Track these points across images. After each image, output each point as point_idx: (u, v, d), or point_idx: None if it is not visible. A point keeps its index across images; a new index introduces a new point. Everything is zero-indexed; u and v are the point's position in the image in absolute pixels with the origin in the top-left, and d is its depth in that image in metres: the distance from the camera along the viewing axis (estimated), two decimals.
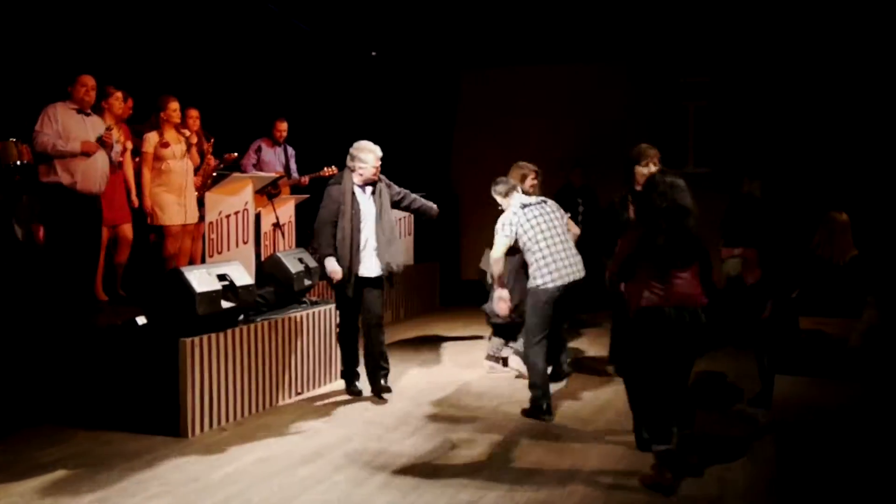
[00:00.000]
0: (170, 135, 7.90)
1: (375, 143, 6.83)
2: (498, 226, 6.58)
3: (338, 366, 7.39)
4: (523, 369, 7.11)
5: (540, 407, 6.35)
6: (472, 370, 7.86)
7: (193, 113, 8.47)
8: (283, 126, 9.65)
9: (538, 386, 6.38)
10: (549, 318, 6.38)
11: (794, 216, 9.76)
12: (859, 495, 3.90)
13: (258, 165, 9.43)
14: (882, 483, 3.77)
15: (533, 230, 6.45)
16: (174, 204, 7.89)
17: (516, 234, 6.47)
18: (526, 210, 6.55)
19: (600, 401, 6.81)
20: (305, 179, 9.68)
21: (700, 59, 11.75)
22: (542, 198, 6.81)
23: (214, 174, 8.47)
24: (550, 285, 6.33)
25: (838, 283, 6.05)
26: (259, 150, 9.54)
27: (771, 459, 4.90)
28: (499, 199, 6.85)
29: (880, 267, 5.33)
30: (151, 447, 5.60)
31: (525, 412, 6.44)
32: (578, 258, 6.57)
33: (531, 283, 6.42)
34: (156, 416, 5.87)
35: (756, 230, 8.64)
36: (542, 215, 6.55)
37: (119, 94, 7.66)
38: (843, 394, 4.26)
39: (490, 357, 7.83)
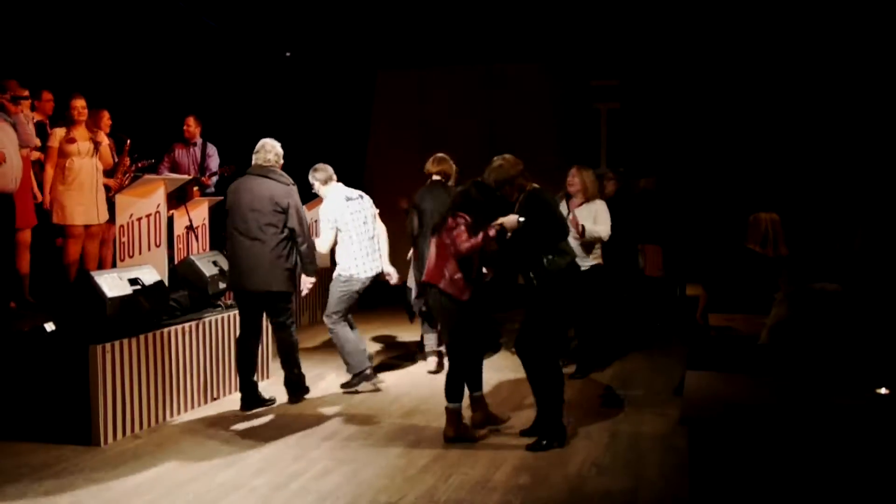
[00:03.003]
0: (78, 132, 7.70)
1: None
2: (321, 217, 7.17)
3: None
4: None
5: (362, 372, 7.01)
6: (390, 372, 7.84)
7: (105, 114, 8.27)
8: (191, 122, 9.43)
9: (352, 353, 7.01)
10: (355, 302, 7.17)
11: (703, 212, 10.08)
12: (769, 485, 4.01)
13: (172, 168, 9.24)
14: (790, 472, 3.87)
15: (353, 223, 7.08)
16: (77, 204, 7.68)
17: (337, 224, 7.09)
18: (349, 203, 7.14)
19: (516, 398, 6.82)
20: (207, 180, 9.50)
21: (610, 61, 11.94)
22: (360, 192, 7.38)
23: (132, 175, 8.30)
24: (363, 275, 7.07)
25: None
26: (172, 152, 9.35)
27: (683, 451, 4.93)
28: (317, 185, 7.23)
29: (789, 265, 5.48)
30: (62, 457, 5.46)
31: (345, 385, 7.12)
32: (377, 254, 7.27)
33: (343, 272, 7.07)
34: (66, 424, 5.72)
35: (654, 226, 8.94)
36: (361, 210, 7.19)
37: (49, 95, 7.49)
38: (752, 388, 4.35)
39: (431, 352, 7.88)
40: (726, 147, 11.23)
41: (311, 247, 6.73)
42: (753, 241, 6.38)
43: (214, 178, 9.56)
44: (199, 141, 9.52)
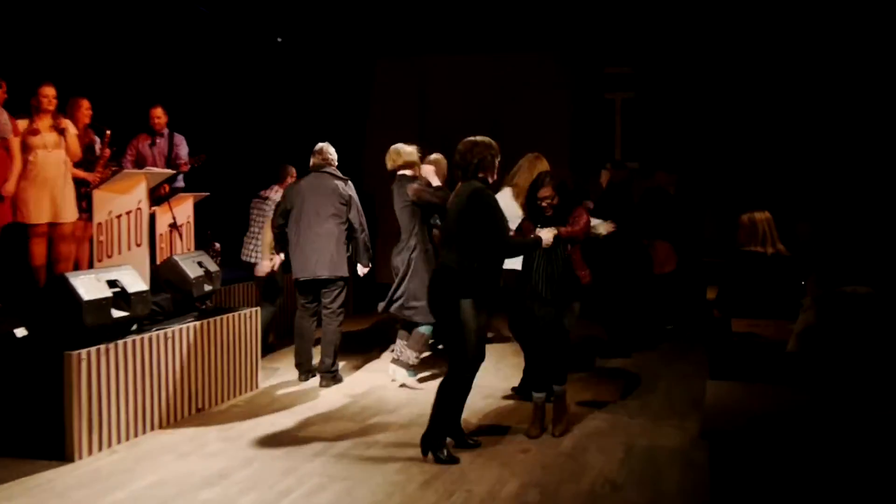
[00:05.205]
0: (42, 123, 7.34)
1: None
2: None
3: (239, 379, 7.15)
4: (409, 382, 7.33)
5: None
6: (387, 382, 7.56)
7: (84, 103, 7.97)
8: (157, 112, 8.92)
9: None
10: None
11: (712, 209, 9.99)
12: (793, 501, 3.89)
13: (136, 161, 8.81)
14: (818, 490, 3.75)
15: None
16: (41, 200, 7.30)
17: None
18: None
19: (525, 407, 6.54)
20: (186, 166, 9.03)
21: (623, 48, 11.74)
22: None
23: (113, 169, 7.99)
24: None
25: (771, 277, 6.13)
26: (136, 144, 8.92)
27: (703, 467, 4.84)
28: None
29: (816, 268, 5.34)
30: (32, 473, 5.22)
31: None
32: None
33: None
34: (38, 437, 5.48)
35: (667, 223, 8.90)
36: None
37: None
38: (778, 399, 4.24)
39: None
40: (745, 139, 11.08)
41: (368, 236, 7.49)
42: (752, 242, 6.30)
43: (189, 167, 9.15)
44: (166, 132, 9.08)
